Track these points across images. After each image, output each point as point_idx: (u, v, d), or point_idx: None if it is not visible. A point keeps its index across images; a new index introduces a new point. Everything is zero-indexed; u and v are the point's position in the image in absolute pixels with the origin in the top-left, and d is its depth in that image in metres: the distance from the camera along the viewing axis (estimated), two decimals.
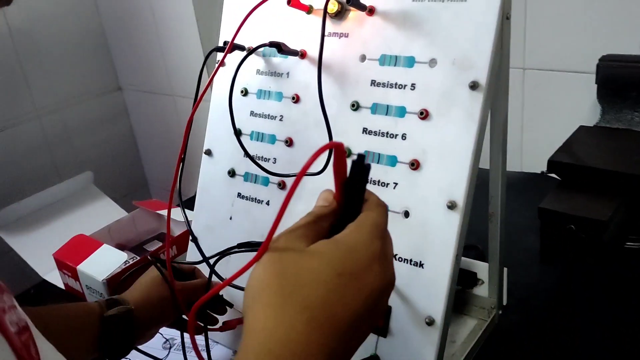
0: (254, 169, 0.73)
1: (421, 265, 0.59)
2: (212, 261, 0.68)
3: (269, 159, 0.72)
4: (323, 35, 0.61)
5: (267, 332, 0.35)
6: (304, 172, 0.38)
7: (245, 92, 0.74)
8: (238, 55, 0.72)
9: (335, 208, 0.43)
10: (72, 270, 0.90)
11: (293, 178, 0.69)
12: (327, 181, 0.64)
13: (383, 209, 0.42)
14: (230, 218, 0.75)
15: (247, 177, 0.74)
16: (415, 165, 0.59)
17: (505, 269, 0.74)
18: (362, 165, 0.41)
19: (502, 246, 0.70)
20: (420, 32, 0.60)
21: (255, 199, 0.73)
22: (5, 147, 1.30)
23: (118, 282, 0.85)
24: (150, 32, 1.42)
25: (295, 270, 0.37)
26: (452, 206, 0.57)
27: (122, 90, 1.58)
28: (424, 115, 0.59)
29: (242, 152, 0.73)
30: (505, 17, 0.57)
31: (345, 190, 0.42)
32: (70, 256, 0.92)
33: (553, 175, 0.93)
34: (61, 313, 0.62)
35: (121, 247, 1.01)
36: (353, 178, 0.41)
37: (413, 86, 0.60)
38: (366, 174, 0.41)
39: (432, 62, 0.59)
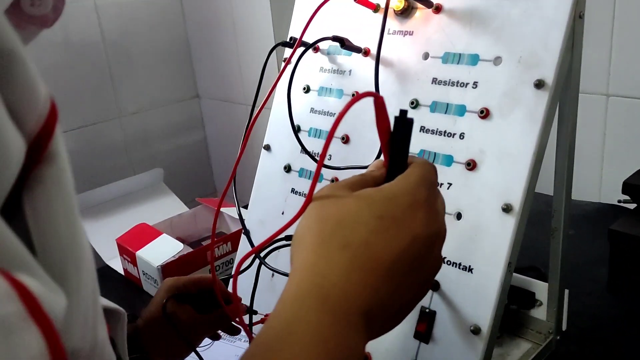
0: (309, 165, 0.72)
1: (470, 270, 0.56)
2: (262, 254, 0.67)
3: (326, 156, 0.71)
4: (383, 31, 0.60)
5: (309, 267, 0.35)
6: (341, 117, 0.37)
7: (307, 89, 0.75)
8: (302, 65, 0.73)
9: (384, 172, 0.41)
10: (131, 255, 0.93)
11: (348, 176, 0.69)
12: None
13: (431, 166, 0.41)
14: (283, 213, 0.75)
15: (301, 172, 0.74)
16: (471, 165, 0.57)
17: (566, 291, 0.69)
18: (404, 119, 0.40)
19: (564, 265, 0.65)
20: (486, 30, 0.58)
21: None
22: (88, 140, 1.37)
23: (173, 270, 0.87)
24: (229, 43, 1.47)
25: (336, 212, 0.36)
26: (507, 209, 0.54)
27: (200, 98, 1.63)
28: (484, 114, 0.57)
29: (299, 148, 0.73)
30: (578, 16, 0.54)
31: (391, 146, 0.40)
32: (131, 242, 0.94)
33: (631, 206, 0.86)
34: None
35: (180, 240, 1.03)
36: (397, 133, 0.40)
37: (475, 84, 0.58)
38: (409, 128, 0.40)
39: (497, 60, 0.57)
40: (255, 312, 0.70)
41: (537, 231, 0.89)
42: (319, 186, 0.72)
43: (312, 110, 0.74)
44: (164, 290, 0.65)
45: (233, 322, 0.68)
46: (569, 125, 0.59)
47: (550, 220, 0.65)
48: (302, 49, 0.70)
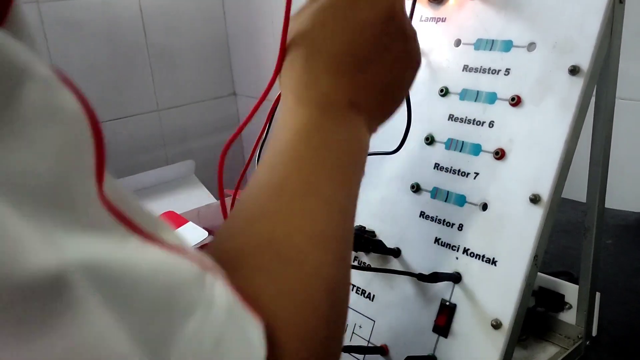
0: None
1: (494, 262, 0.54)
2: None
3: None
4: (411, 15, 0.59)
5: (286, 85, 0.39)
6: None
7: None
8: None
9: None
10: None
11: (374, 166, 0.67)
12: (397, 164, 0.61)
13: None
14: None
15: None
16: (500, 154, 0.55)
17: (597, 294, 0.66)
18: None
19: (595, 266, 0.62)
20: (521, 15, 0.56)
21: None
22: (126, 131, 1.40)
23: None
24: (268, 42, 1.48)
25: (296, 25, 0.39)
26: (535, 199, 0.52)
27: (236, 96, 1.65)
28: (515, 101, 0.55)
29: None
30: (618, 1, 0.51)
31: None
32: None
33: None
34: None
35: (207, 231, 1.03)
36: None
37: (507, 71, 0.56)
38: None
39: (531, 46, 0.55)
40: None
41: (572, 239, 0.85)
42: None
43: None
44: None
45: None
46: (605, 117, 0.56)
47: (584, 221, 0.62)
48: None
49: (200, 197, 1.17)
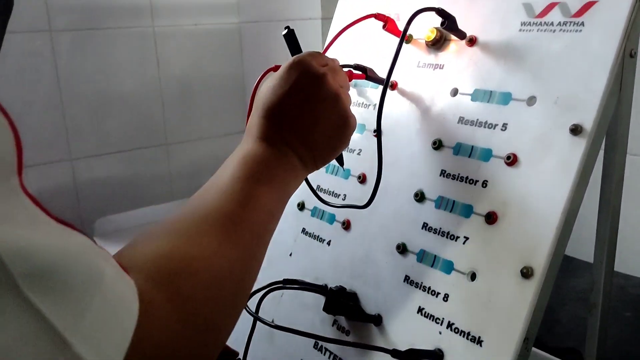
0: (323, 205, 0.66)
1: (480, 342, 0.47)
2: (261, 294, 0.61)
3: (339, 195, 0.65)
4: (395, 59, 0.54)
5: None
6: None
7: None
8: None
9: None
10: None
11: (359, 219, 0.62)
12: (384, 221, 0.56)
13: (307, 54, 0.52)
14: (290, 254, 0.69)
15: (314, 212, 0.67)
16: (492, 218, 0.49)
17: None
18: (288, 33, 0.59)
19: (600, 345, 0.55)
20: (522, 65, 0.51)
21: (318, 236, 0.66)
22: (131, 163, 1.37)
23: None
24: None
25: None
26: (527, 273, 0.45)
27: None
28: (511, 160, 0.49)
29: (317, 185, 0.67)
30: (629, 55, 0.46)
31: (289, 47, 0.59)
32: None
33: None
34: None
35: None
36: (289, 43, 0.59)
37: (504, 126, 0.51)
38: (293, 36, 0.59)
39: (531, 100, 0.50)
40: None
41: (583, 309, 0.78)
42: (328, 227, 0.65)
43: None
44: None
45: None
46: (613, 182, 0.50)
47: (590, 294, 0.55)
48: None
49: None
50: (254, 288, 0.63)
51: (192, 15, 1.41)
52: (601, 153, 0.48)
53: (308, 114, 0.49)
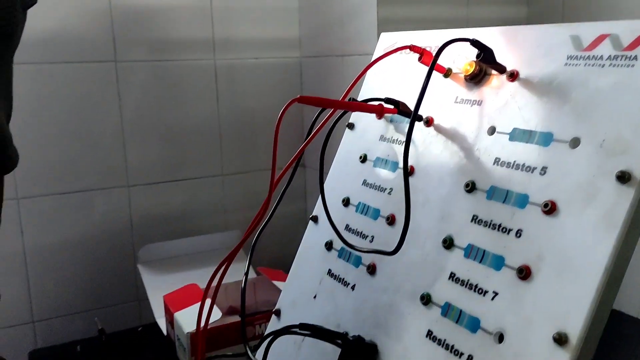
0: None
1: None
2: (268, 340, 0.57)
3: (367, 236, 0.61)
4: (423, 91, 0.50)
5: None
6: None
7: (364, 159, 0.65)
8: (370, 117, 0.65)
9: None
10: (171, 315, 0.87)
11: (386, 264, 0.57)
12: (408, 269, 0.52)
13: None
14: (315, 297, 0.64)
15: (341, 253, 0.63)
16: (524, 273, 0.43)
17: None
18: None
19: None
20: (566, 103, 0.46)
21: (343, 279, 0.61)
22: (185, 192, 1.37)
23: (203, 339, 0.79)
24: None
25: None
26: (561, 340, 0.39)
27: (305, 168, 1.60)
28: (549, 208, 0.43)
29: (345, 224, 0.64)
30: None
31: None
32: (174, 302, 0.89)
33: None
34: None
35: (232, 310, 0.95)
36: None
37: (544, 170, 0.45)
38: None
39: (574, 142, 0.44)
40: None
41: None
42: (353, 270, 0.61)
43: (365, 182, 0.64)
44: None
45: None
46: None
47: None
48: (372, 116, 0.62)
49: (240, 271, 1.10)
50: (267, 331, 0.60)
51: (253, 49, 1.42)
52: None
53: None
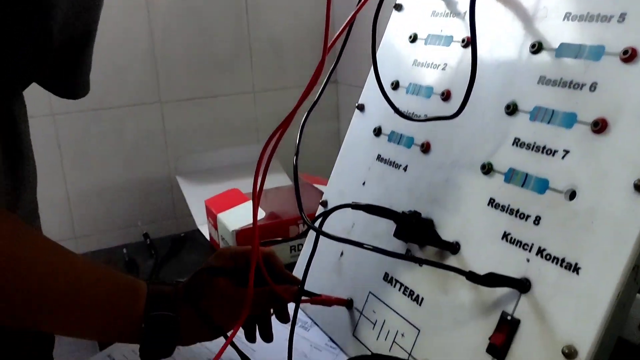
0: (401, 127, 0.60)
1: (576, 269, 0.39)
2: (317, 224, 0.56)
3: (420, 115, 0.58)
4: None
5: None
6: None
7: (413, 38, 0.62)
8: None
9: None
10: (213, 217, 0.87)
11: (440, 140, 0.55)
12: (468, 138, 0.50)
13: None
14: (364, 184, 0.63)
15: (391, 136, 0.61)
16: (600, 126, 0.41)
17: None
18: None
19: None
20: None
21: (394, 162, 0.59)
22: (223, 109, 1.35)
23: (249, 238, 0.79)
24: (368, 34, 1.37)
25: None
26: None
27: (338, 84, 1.56)
28: (628, 55, 0.40)
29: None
30: None
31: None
32: (217, 205, 0.89)
33: None
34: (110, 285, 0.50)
35: (275, 216, 0.95)
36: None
37: (622, 17, 0.42)
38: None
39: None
40: (309, 295, 0.59)
41: None
42: (406, 151, 0.59)
43: (415, 62, 0.61)
44: (210, 260, 0.57)
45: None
46: None
47: None
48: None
49: (278, 181, 1.09)
50: (336, 223, 0.59)
51: None
52: None
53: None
